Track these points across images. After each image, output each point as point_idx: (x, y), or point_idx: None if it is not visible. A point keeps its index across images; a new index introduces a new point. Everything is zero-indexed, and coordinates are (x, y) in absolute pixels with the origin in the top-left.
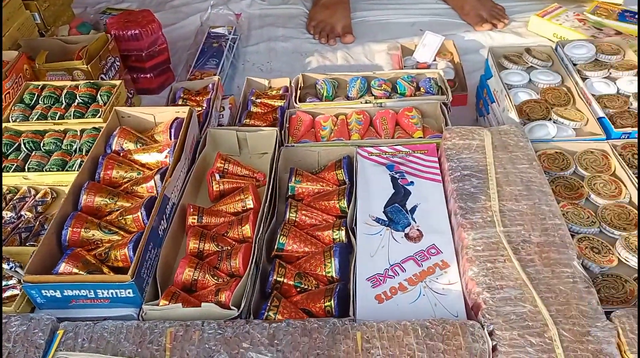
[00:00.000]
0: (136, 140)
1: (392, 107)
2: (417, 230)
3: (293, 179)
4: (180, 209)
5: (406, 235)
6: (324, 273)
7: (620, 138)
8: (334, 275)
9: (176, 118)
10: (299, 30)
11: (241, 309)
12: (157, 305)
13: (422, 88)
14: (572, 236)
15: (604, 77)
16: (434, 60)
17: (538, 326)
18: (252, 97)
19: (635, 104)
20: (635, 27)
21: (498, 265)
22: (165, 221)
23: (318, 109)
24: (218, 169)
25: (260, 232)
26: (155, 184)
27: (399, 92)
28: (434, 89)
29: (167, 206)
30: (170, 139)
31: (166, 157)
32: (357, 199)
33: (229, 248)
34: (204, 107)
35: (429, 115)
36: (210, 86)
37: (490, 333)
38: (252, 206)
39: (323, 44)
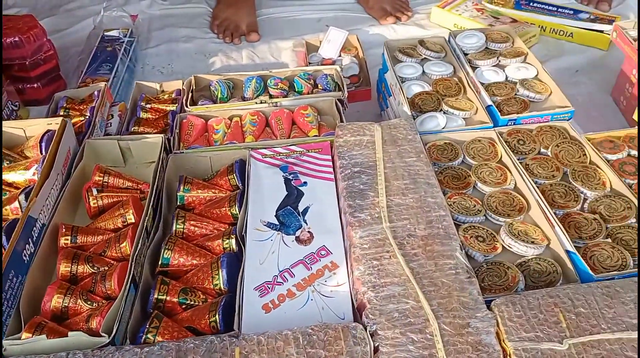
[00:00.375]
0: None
1: (288, 106)
2: (308, 231)
3: (182, 187)
4: (51, 231)
5: (297, 238)
6: (211, 286)
7: (506, 125)
8: (222, 287)
9: (48, 131)
10: (202, 30)
11: (113, 335)
12: (20, 338)
13: (319, 85)
14: (458, 226)
15: (494, 66)
16: (339, 56)
17: (420, 322)
18: (142, 103)
19: (522, 91)
20: (530, 14)
21: (384, 262)
22: (31, 244)
23: (211, 112)
24: (96, 183)
25: (139, 248)
26: (20, 204)
27: (296, 90)
28: (331, 85)
29: (34, 228)
30: (42, 154)
31: (34, 174)
32: (248, 204)
33: (107, 268)
34: (87, 117)
35: (326, 112)
36: (96, 93)
37: (374, 334)
38: (133, 220)
39: (227, 43)
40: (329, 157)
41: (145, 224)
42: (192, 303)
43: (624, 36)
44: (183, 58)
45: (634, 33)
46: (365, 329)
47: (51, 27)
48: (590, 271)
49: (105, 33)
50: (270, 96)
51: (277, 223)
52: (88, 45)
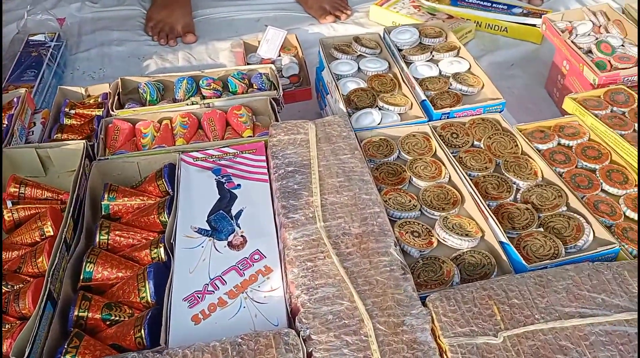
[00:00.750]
0: None
1: (221, 106)
2: (242, 236)
3: (106, 196)
4: None
5: (229, 243)
6: (138, 300)
7: (440, 119)
8: (150, 300)
9: None
10: (136, 33)
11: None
12: None
13: (254, 84)
14: (394, 222)
15: (427, 61)
16: (279, 55)
17: (354, 323)
18: (66, 109)
19: (455, 85)
20: (466, 10)
21: (318, 263)
22: None
23: (139, 115)
24: (11, 195)
25: (56, 262)
26: None
27: (230, 90)
28: (267, 84)
29: None
30: None
31: None
32: (177, 210)
33: (22, 286)
34: (5, 125)
35: (261, 112)
36: (15, 100)
37: (307, 339)
38: (52, 233)
39: (163, 45)
40: (264, 158)
41: (64, 236)
42: (117, 318)
43: (553, 28)
44: (116, 62)
45: (562, 25)
46: (299, 334)
47: None
48: (524, 262)
49: (30, 38)
50: (203, 97)
51: (208, 228)
52: (11, 50)
